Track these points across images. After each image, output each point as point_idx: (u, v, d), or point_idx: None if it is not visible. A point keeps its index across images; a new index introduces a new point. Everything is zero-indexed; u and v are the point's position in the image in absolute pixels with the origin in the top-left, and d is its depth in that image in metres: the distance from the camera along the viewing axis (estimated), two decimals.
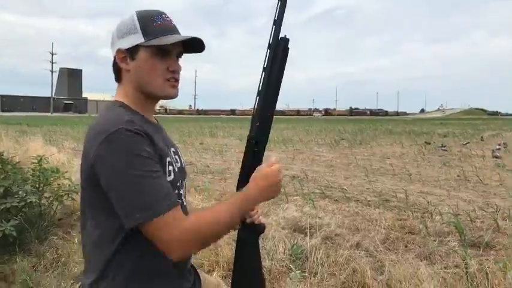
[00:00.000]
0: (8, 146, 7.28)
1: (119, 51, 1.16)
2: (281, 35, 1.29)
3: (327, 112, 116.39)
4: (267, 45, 1.29)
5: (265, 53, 1.29)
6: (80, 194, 1.19)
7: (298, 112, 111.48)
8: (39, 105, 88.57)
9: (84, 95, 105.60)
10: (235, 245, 1.36)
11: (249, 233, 1.40)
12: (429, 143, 14.94)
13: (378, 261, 3.24)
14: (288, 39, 1.29)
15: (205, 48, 1.23)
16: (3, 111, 76.28)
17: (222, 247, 3.24)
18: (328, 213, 4.68)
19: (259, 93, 1.30)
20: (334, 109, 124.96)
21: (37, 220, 3.59)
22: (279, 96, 1.31)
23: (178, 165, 1.25)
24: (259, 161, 1.34)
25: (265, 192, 1.20)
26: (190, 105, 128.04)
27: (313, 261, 3.14)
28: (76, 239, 3.51)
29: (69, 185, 3.94)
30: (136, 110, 1.17)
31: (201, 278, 1.39)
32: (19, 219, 3.37)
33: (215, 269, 3.03)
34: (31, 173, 3.86)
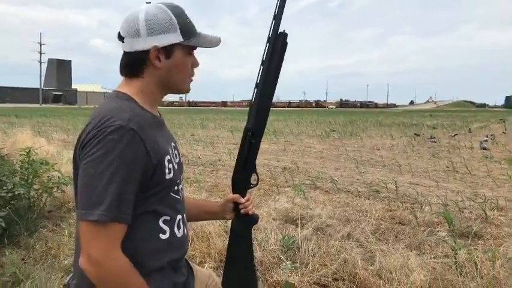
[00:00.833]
0: None
1: (154, 48, 1.13)
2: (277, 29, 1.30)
3: (318, 104, 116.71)
4: (265, 38, 1.30)
5: (264, 47, 1.30)
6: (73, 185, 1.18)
7: (289, 104, 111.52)
8: (28, 96, 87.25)
9: (73, 86, 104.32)
10: (227, 236, 1.37)
11: (243, 224, 1.41)
12: (418, 135, 15.06)
13: (368, 252, 3.26)
14: (286, 34, 1.31)
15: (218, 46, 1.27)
16: None
17: (214, 238, 3.24)
18: (319, 204, 4.70)
19: (257, 85, 1.30)
20: (325, 101, 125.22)
21: (26, 212, 3.55)
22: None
23: (177, 160, 1.25)
24: (255, 153, 1.35)
25: None
26: (181, 97, 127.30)
27: (305, 251, 3.15)
28: (66, 231, 3.48)
29: (58, 177, 3.89)
30: (143, 106, 1.16)
31: (194, 270, 1.39)
32: (7, 211, 3.33)
33: (206, 261, 3.03)
34: (19, 165, 3.81)
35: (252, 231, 1.48)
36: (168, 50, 1.15)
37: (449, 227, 3.83)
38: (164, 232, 1.16)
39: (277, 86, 1.31)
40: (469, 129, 18.63)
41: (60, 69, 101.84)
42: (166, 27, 1.13)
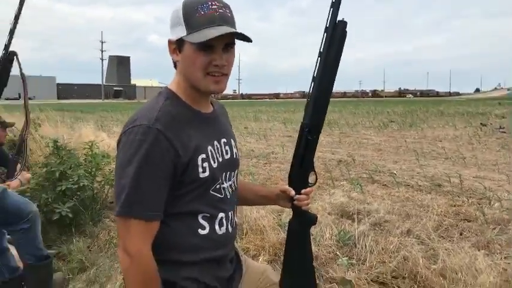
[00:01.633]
0: (63, 131, 7.66)
1: (169, 42, 1.15)
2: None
3: (375, 94, 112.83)
4: (321, 27, 1.21)
5: (321, 37, 1.22)
6: None
7: (344, 94, 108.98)
8: (92, 92, 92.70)
9: (132, 82, 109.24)
10: (281, 229, 1.34)
11: (300, 225, 1.34)
12: (485, 125, 14.07)
13: (430, 250, 3.08)
14: (346, 22, 1.21)
15: (251, 39, 1.14)
16: (59, 98, 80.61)
17: (268, 232, 3.23)
18: (377, 199, 4.54)
19: (314, 78, 1.23)
20: (382, 90, 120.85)
21: (90, 203, 3.75)
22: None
23: (228, 156, 1.23)
24: (312, 150, 1.28)
25: None
26: (235, 90, 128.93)
27: (362, 248, 3.04)
28: None
29: None
30: (185, 101, 1.16)
31: (244, 266, 1.37)
32: (74, 202, 3.54)
33: (261, 254, 3.02)
34: (83, 158, 4.02)
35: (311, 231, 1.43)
36: (179, 44, 1.13)
37: None
38: (204, 228, 1.18)
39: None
40: None
41: (120, 65, 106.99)
42: (176, 20, 1.12)
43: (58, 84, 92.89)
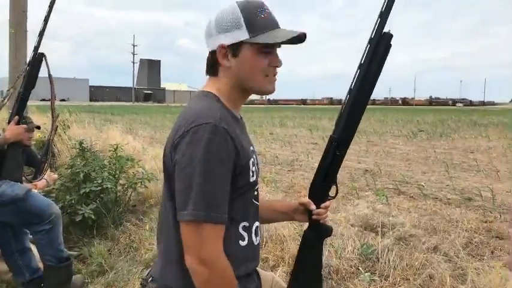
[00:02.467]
0: (91, 133, 7.82)
1: (221, 47, 1.11)
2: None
3: (405, 101, 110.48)
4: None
5: (364, 48, 1.15)
6: (162, 185, 1.20)
7: (373, 102, 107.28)
8: (123, 94, 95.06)
9: (162, 85, 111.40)
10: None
11: (314, 236, 1.34)
12: None
13: (458, 268, 2.94)
14: (391, 35, 1.13)
15: (305, 40, 1.15)
16: (91, 100, 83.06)
17: (288, 242, 3.16)
18: (403, 211, 4.39)
19: (350, 91, 1.17)
20: (413, 98, 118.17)
21: (113, 206, 3.78)
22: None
23: (258, 164, 1.22)
24: (338, 165, 1.24)
25: None
26: (261, 95, 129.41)
27: (385, 263, 2.93)
28: (147, 226, 3.64)
29: (142, 173, 4.10)
30: (227, 106, 1.15)
31: (260, 274, 1.35)
32: (97, 204, 3.58)
33: (280, 265, 2.95)
34: (108, 160, 4.07)
35: (325, 242, 1.40)
36: (234, 48, 1.11)
37: None
38: (243, 239, 1.15)
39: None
40: None
41: (151, 69, 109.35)
42: (232, 24, 1.10)
43: (90, 87, 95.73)
